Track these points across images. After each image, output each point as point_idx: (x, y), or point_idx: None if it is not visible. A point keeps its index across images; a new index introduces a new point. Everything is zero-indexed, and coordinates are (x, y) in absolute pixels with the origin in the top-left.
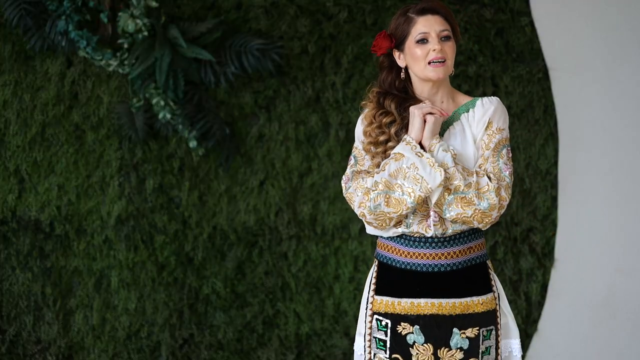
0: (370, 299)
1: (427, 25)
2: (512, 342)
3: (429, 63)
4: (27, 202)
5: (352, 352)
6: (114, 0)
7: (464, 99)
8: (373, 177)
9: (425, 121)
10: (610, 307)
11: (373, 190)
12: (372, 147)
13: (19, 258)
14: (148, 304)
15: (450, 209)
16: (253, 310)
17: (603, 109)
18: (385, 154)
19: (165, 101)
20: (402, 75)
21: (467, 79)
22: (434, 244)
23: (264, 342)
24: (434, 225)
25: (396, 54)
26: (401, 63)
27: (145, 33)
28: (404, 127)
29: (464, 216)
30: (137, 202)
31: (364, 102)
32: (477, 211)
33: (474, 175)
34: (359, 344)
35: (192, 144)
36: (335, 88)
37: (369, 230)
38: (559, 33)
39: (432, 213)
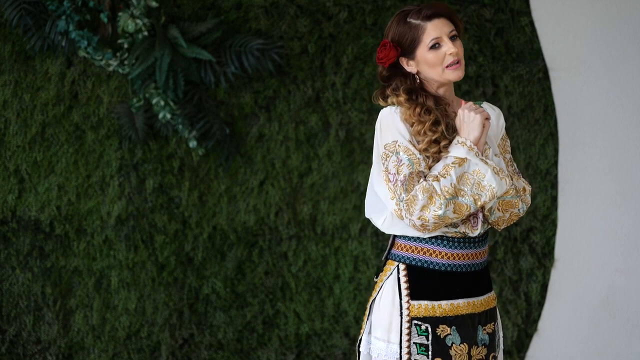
0: (406, 305)
1: (437, 30)
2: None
3: (447, 67)
4: (27, 202)
5: (352, 351)
6: (114, 0)
7: (462, 102)
8: (438, 180)
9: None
10: (610, 307)
11: (444, 197)
12: (429, 147)
13: (19, 258)
14: (148, 304)
15: (494, 212)
16: (253, 310)
17: (603, 109)
18: (439, 154)
19: (165, 101)
20: (417, 79)
21: (467, 79)
22: (472, 244)
23: (264, 342)
24: (481, 225)
25: (404, 61)
26: (412, 69)
27: (145, 33)
28: (450, 126)
29: (501, 219)
30: (137, 202)
31: (399, 99)
32: (512, 214)
33: (513, 179)
34: (390, 351)
35: (192, 144)
36: (335, 88)
37: (405, 231)
38: (559, 33)
39: (480, 214)
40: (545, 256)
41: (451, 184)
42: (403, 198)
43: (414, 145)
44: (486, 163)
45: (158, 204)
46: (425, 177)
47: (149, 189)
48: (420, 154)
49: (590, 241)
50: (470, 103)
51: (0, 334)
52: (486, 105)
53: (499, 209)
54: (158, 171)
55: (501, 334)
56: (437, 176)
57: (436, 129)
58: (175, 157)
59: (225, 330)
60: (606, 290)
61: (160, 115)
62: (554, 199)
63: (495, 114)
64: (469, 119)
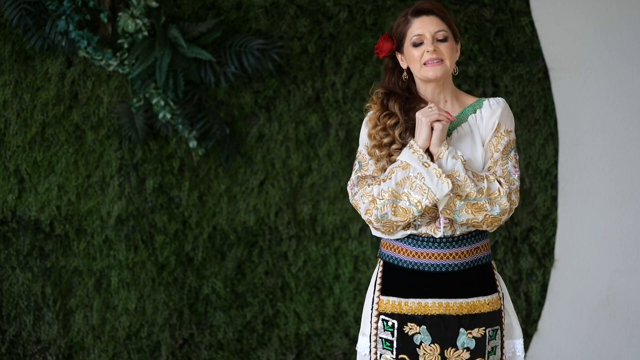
0: (376, 299)
1: (421, 27)
2: (515, 342)
3: (425, 64)
4: (27, 202)
5: (352, 351)
6: (114, 0)
7: (468, 99)
8: (379, 184)
9: (432, 128)
10: (610, 307)
11: (380, 199)
12: (376, 150)
13: (19, 258)
14: (148, 304)
15: (460, 214)
16: (253, 310)
17: (603, 109)
18: (389, 157)
19: (165, 101)
20: (405, 75)
21: (467, 79)
22: (442, 244)
23: (264, 342)
24: (443, 227)
25: (398, 55)
26: (403, 64)
27: (145, 33)
28: (408, 129)
29: (475, 221)
30: (137, 202)
31: (368, 104)
32: (487, 216)
33: (485, 180)
34: (364, 345)
35: (192, 144)
36: (335, 88)
37: (375, 232)
38: (559, 33)
39: (441, 216)
40: (545, 256)
41: (389, 187)
42: (352, 201)
43: (368, 150)
44: (427, 166)
45: (158, 204)
46: (374, 180)
47: (149, 189)
48: (370, 158)
49: (590, 241)
50: (430, 106)
51: (0, 334)
52: (487, 102)
53: (467, 211)
54: (158, 171)
55: (512, 342)
56: (380, 180)
57: (390, 132)
58: (175, 157)
59: (225, 330)
60: (606, 290)
61: (160, 115)
62: (554, 199)
63: (488, 113)
64: (419, 123)
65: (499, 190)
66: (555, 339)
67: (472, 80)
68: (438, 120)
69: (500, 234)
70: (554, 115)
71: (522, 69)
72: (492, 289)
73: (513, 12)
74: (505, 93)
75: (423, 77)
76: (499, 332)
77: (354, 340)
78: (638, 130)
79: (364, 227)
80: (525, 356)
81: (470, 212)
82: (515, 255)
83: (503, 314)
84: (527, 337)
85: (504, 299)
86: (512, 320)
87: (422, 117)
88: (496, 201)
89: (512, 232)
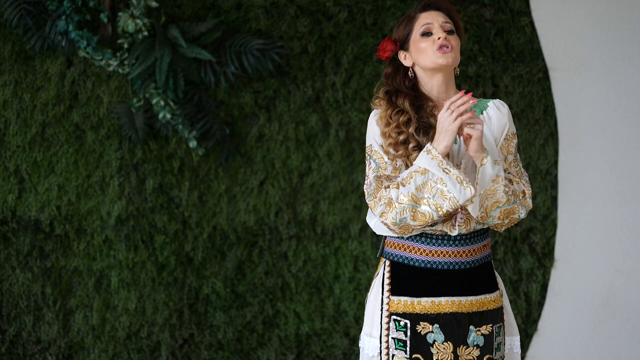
0: (386, 300)
1: (429, 18)
2: (513, 339)
3: (437, 49)
4: (27, 202)
5: (352, 352)
6: (114, 0)
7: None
8: (397, 187)
9: (459, 134)
10: (610, 307)
11: (399, 204)
12: (391, 149)
13: (19, 258)
14: (148, 304)
15: (494, 220)
16: (253, 310)
17: (603, 109)
18: (406, 156)
19: (165, 101)
20: (411, 74)
21: (467, 79)
22: (456, 242)
23: (264, 342)
24: (458, 226)
25: (402, 55)
26: (407, 62)
27: (145, 33)
28: (421, 127)
29: (501, 225)
30: (137, 202)
31: (376, 101)
32: (512, 219)
33: (514, 183)
34: (372, 346)
35: (192, 144)
36: (335, 88)
37: (386, 232)
38: (559, 33)
39: (459, 214)
40: (545, 256)
41: (408, 192)
42: (369, 201)
43: (383, 149)
44: (448, 172)
45: (158, 204)
46: (391, 181)
47: (149, 189)
48: (388, 157)
49: (590, 241)
50: (453, 101)
51: (0, 334)
52: (492, 104)
53: (499, 218)
54: (158, 171)
55: (510, 338)
56: (398, 184)
57: (404, 130)
58: (175, 157)
59: (225, 330)
60: (606, 290)
61: (160, 115)
62: (554, 199)
63: (497, 114)
64: (443, 127)
65: (524, 192)
66: (555, 339)
67: (472, 80)
68: (469, 124)
69: (500, 234)
70: (554, 115)
71: (522, 69)
72: (494, 286)
73: (513, 12)
74: (505, 93)
75: (434, 63)
76: (502, 328)
77: (354, 340)
78: (638, 130)
79: (364, 227)
80: (524, 356)
81: (501, 218)
82: (515, 255)
83: (504, 311)
84: (527, 337)
85: (503, 297)
86: (510, 318)
87: (450, 126)
88: (523, 203)
89: (512, 232)
